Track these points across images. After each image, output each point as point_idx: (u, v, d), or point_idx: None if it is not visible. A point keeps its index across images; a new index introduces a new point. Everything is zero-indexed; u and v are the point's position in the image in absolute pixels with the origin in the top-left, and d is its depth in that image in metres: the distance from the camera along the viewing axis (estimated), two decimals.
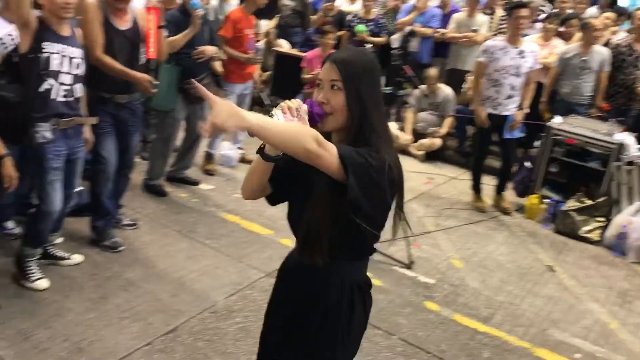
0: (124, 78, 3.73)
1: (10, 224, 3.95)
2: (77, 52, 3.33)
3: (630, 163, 5.31)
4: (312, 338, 1.89)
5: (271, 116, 1.61)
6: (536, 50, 5.50)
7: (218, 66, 5.91)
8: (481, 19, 7.38)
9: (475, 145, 5.74)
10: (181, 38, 4.42)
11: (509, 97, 5.33)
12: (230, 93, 5.62)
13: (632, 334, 3.92)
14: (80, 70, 3.37)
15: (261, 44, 7.87)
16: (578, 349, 3.66)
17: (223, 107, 1.46)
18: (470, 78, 7.10)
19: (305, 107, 1.67)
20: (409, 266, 4.35)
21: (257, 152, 1.74)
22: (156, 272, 3.82)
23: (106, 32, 3.68)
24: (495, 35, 6.93)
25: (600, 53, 6.12)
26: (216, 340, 3.23)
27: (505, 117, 5.37)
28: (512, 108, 5.37)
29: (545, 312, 4.03)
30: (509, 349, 3.55)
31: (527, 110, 5.51)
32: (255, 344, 3.12)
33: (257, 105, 7.93)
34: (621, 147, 5.37)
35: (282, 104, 1.65)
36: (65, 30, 3.27)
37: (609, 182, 5.45)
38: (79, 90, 3.38)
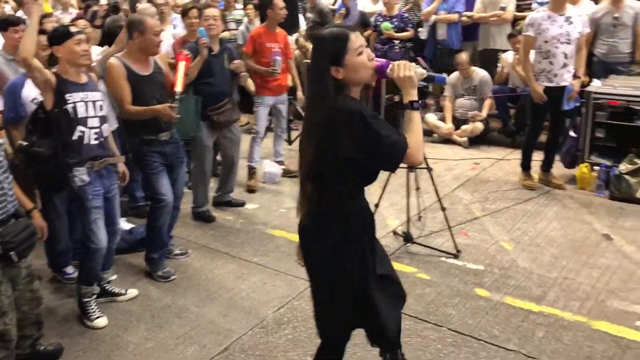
0: (149, 116, 3.93)
1: (70, 269, 4.20)
2: (97, 95, 3.56)
3: None
4: None
5: (422, 75, 2.23)
6: (583, 15, 5.34)
7: (250, 85, 6.11)
8: None
9: (531, 122, 5.59)
10: (194, 68, 4.57)
11: (564, 66, 5.19)
12: (260, 105, 5.82)
13: None
14: (104, 111, 3.59)
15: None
16: (639, 316, 3.52)
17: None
18: (504, 57, 6.97)
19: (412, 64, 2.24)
20: (456, 255, 4.31)
21: (416, 108, 2.22)
22: (207, 296, 3.97)
23: (133, 82, 3.94)
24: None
25: (633, 7, 5.89)
26: (267, 355, 3.32)
27: (563, 87, 5.23)
28: (568, 77, 5.22)
29: (603, 283, 3.90)
30: (564, 326, 3.46)
31: (584, 78, 5.35)
32: (304, 354, 3.25)
33: (298, 118, 8.07)
34: None
35: (412, 66, 2.21)
36: (83, 78, 3.52)
37: None
38: (106, 130, 3.60)
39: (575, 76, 5.23)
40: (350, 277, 2.35)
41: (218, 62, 4.84)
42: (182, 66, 4.11)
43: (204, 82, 4.72)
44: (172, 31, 6.35)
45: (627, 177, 5.18)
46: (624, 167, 5.23)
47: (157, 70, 4.09)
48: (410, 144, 2.14)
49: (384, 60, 2.24)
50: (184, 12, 5.56)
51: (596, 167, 5.47)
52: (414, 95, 2.19)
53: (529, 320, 3.52)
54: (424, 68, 4.98)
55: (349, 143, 2.13)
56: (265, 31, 5.81)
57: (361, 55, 2.17)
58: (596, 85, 5.58)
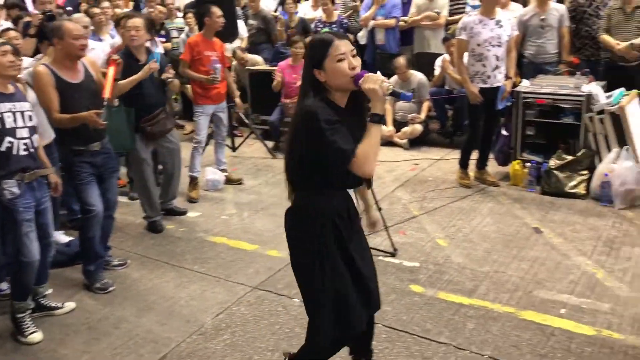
0: (77, 123, 3.90)
1: (3, 285, 4.11)
2: (26, 106, 3.52)
3: (601, 112, 5.31)
4: None
5: (387, 90, 2.19)
6: (511, 18, 5.56)
7: (189, 90, 6.10)
8: (442, 1, 7.45)
9: (470, 122, 5.77)
10: (127, 84, 4.52)
11: (496, 67, 5.39)
12: (200, 114, 5.81)
13: (618, 279, 3.94)
14: (34, 122, 3.54)
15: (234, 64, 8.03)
16: (564, 304, 3.69)
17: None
18: (439, 63, 7.16)
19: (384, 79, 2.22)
20: (393, 254, 4.42)
21: (376, 121, 2.21)
22: (146, 306, 3.95)
23: (62, 90, 3.89)
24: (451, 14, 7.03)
25: (558, 9, 6.16)
26: None
27: (497, 88, 5.42)
28: (501, 78, 5.42)
29: (531, 275, 4.07)
30: (493, 317, 3.59)
31: (515, 79, 5.57)
32: (242, 358, 3.28)
33: (242, 125, 8.09)
34: (590, 97, 5.38)
35: (379, 80, 2.19)
36: (9, 89, 3.47)
37: (586, 135, 5.45)
38: (36, 140, 3.56)
39: (507, 77, 5.44)
40: (310, 272, 2.46)
41: (149, 78, 4.74)
42: (111, 71, 4.09)
43: (134, 94, 4.67)
44: (110, 41, 6.29)
45: (556, 172, 5.40)
46: (553, 162, 5.45)
47: (89, 78, 4.04)
48: (358, 154, 2.18)
49: (364, 70, 2.26)
50: (117, 22, 5.54)
51: (528, 164, 5.68)
52: (376, 108, 2.20)
53: (460, 314, 3.64)
54: None
55: (302, 141, 2.32)
56: (203, 40, 5.82)
57: (341, 62, 2.24)
58: (525, 85, 5.81)
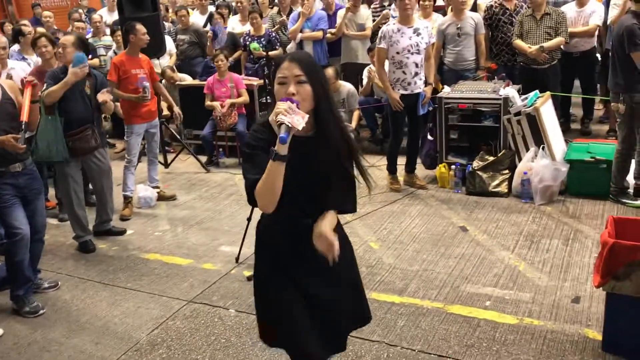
0: None
1: None
2: None
3: (518, 114, 5.60)
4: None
5: (279, 125, 1.98)
6: (428, 26, 5.79)
7: (119, 108, 6.01)
8: (365, 12, 7.67)
9: (392, 128, 5.95)
10: (58, 89, 4.49)
11: (416, 74, 5.59)
12: (131, 134, 5.75)
13: (538, 270, 4.17)
14: None
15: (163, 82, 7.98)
16: (489, 296, 3.87)
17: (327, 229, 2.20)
18: (366, 73, 7.36)
19: (293, 104, 2.01)
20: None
21: (276, 159, 2.00)
22: (79, 326, 3.89)
23: None
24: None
25: (472, 17, 6.46)
26: None
27: (417, 94, 5.62)
28: (421, 85, 5.63)
29: (458, 271, 4.24)
30: (423, 313, 3.73)
31: (436, 85, 5.79)
32: None
33: (175, 141, 8.05)
34: (507, 100, 5.66)
35: (277, 110, 1.99)
36: None
37: (505, 136, 5.73)
38: None
39: (426, 83, 5.67)
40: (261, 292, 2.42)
41: (74, 88, 4.68)
42: (27, 94, 4.02)
43: (60, 106, 4.63)
44: (35, 60, 6.18)
45: (479, 173, 5.65)
46: (476, 164, 5.70)
47: (6, 100, 3.94)
48: (257, 189, 2.08)
49: (294, 99, 2.04)
50: (33, 42, 5.46)
51: (453, 167, 5.92)
52: (277, 143, 1.99)
53: (391, 312, 3.77)
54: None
55: None
56: (128, 58, 5.80)
57: (279, 85, 2.11)
58: (446, 91, 6.05)
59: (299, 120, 1.97)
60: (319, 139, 2.17)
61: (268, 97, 6.22)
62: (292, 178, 2.08)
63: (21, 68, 5.71)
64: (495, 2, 6.82)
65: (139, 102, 5.71)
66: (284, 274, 2.32)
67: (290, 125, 1.95)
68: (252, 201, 2.14)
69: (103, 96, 4.82)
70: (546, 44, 6.18)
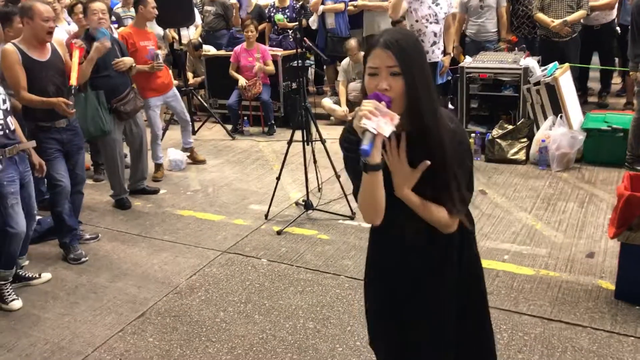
0: (45, 107, 4.07)
1: None
2: (0, 90, 3.66)
3: (537, 83, 5.76)
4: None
5: (363, 132, 1.61)
6: None
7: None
8: None
9: None
10: (87, 66, 4.59)
11: (434, 43, 5.78)
12: (149, 108, 5.79)
13: (554, 229, 4.37)
14: (8, 105, 3.69)
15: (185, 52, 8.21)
16: (507, 251, 4.09)
17: (404, 175, 1.74)
18: None
19: (381, 104, 1.63)
20: (352, 217, 4.74)
21: (367, 171, 1.67)
22: (121, 272, 4.17)
23: (30, 68, 4.04)
24: None
25: None
26: (182, 315, 3.59)
27: (435, 63, 5.81)
28: (439, 54, 5.82)
29: (477, 229, 4.38)
30: None
31: (452, 54, 5.97)
32: (217, 310, 3.54)
33: (201, 110, 8.29)
34: (527, 71, 5.83)
35: (361, 112, 1.61)
36: None
37: (524, 105, 5.90)
38: (11, 122, 3.71)
39: (445, 52, 5.86)
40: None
41: (112, 55, 4.91)
42: (76, 56, 4.24)
43: (102, 76, 4.83)
44: (66, 28, 6.40)
45: (499, 140, 5.84)
46: (495, 132, 5.89)
47: (56, 57, 4.19)
48: (358, 202, 1.81)
49: (384, 97, 1.65)
50: (70, 9, 5.62)
51: (473, 135, 6.10)
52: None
53: None
54: (309, 46, 5.25)
55: None
56: (136, 30, 5.71)
57: (369, 77, 1.72)
58: (468, 61, 6.22)
59: (386, 124, 1.60)
60: (418, 138, 1.75)
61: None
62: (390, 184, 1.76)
63: (58, 35, 5.93)
64: None
65: (152, 72, 5.68)
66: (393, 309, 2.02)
67: (375, 132, 1.60)
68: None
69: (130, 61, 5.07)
70: (569, 18, 6.31)
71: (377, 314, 2.10)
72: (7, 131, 3.65)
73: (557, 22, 6.33)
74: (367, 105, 1.62)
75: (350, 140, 1.79)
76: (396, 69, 1.68)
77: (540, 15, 6.50)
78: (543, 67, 5.93)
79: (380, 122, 1.60)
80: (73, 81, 4.22)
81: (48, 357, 3.27)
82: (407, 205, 1.80)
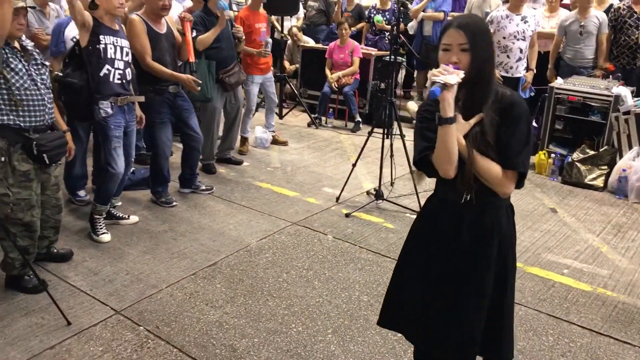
0: (170, 79, 4.54)
1: (82, 193, 4.78)
2: (125, 43, 4.11)
3: (627, 113, 5.71)
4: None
5: (432, 82, 1.90)
6: (536, 15, 6.07)
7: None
8: (495, 1, 7.87)
9: None
10: (210, 35, 5.08)
11: (519, 59, 5.93)
12: (251, 83, 6.19)
13: (620, 254, 4.37)
14: (129, 58, 4.13)
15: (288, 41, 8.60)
16: (567, 266, 4.15)
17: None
18: None
19: (449, 66, 1.94)
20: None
21: (442, 124, 1.93)
22: (199, 226, 4.53)
23: (152, 38, 4.51)
24: None
25: (597, 16, 6.55)
26: (249, 270, 3.90)
27: (518, 78, 5.96)
28: (522, 70, 5.97)
29: (542, 242, 4.53)
30: None
31: (534, 72, 6.07)
32: (280, 271, 3.82)
33: (291, 99, 8.67)
34: (618, 98, 5.79)
35: (435, 71, 1.92)
36: (116, 26, 4.06)
37: (610, 133, 5.86)
38: (129, 73, 4.15)
39: (528, 69, 5.98)
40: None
41: (225, 28, 5.32)
42: (189, 32, 4.67)
43: (214, 48, 5.22)
44: (183, 2, 6.91)
45: (578, 164, 5.83)
46: (576, 155, 5.88)
47: (170, 31, 4.66)
48: (433, 156, 2.02)
49: (454, 67, 1.95)
50: None
51: (552, 155, 6.11)
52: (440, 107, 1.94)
53: None
54: (403, 42, 5.47)
55: None
56: (251, 12, 6.07)
57: (443, 52, 2.01)
58: (559, 82, 6.24)
59: (452, 77, 1.90)
60: (475, 100, 2.03)
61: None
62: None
63: (181, 5, 6.45)
64: (624, 4, 6.85)
65: (260, 57, 6.07)
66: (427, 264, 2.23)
67: (443, 82, 1.88)
68: (422, 168, 2.12)
69: (238, 30, 5.49)
70: None
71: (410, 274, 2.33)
72: (123, 81, 4.09)
73: None
74: (441, 67, 1.95)
75: (429, 110, 2.07)
76: (466, 45, 1.98)
77: None
78: (636, 98, 5.87)
79: (447, 77, 1.90)
80: (192, 58, 4.65)
81: (127, 285, 3.65)
82: (464, 173, 2.03)
